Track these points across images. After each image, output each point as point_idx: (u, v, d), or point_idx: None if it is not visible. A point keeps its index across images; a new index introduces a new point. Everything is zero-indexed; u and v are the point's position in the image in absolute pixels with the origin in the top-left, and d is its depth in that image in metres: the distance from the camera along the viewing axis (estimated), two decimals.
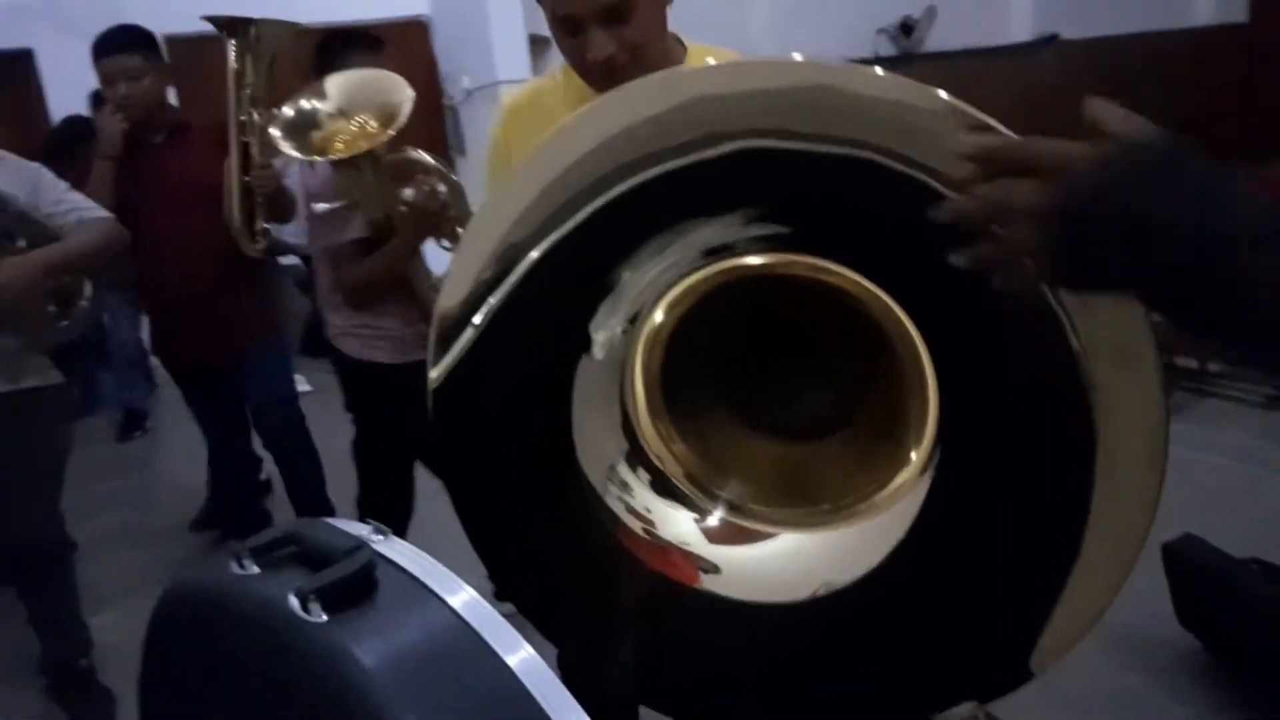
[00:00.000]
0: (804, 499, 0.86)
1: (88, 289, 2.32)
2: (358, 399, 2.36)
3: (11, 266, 2.02)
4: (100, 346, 4.55)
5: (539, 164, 0.75)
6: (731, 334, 0.92)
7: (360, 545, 0.62)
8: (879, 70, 0.65)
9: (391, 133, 1.98)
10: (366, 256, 2.09)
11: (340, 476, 2.60)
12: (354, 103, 2.08)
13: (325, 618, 0.57)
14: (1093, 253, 0.54)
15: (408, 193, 1.98)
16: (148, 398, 5.04)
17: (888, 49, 7.36)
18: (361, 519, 0.68)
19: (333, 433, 2.67)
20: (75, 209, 2.19)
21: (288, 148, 2.02)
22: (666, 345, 0.87)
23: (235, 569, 0.64)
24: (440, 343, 0.81)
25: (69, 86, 5.90)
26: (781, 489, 0.87)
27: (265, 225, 2.54)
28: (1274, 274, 0.48)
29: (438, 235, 2.14)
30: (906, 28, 7.24)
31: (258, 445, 2.99)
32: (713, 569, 0.83)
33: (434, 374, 0.82)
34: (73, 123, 3.95)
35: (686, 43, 1.38)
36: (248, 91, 2.44)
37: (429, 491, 2.30)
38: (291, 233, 2.98)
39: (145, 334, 3.68)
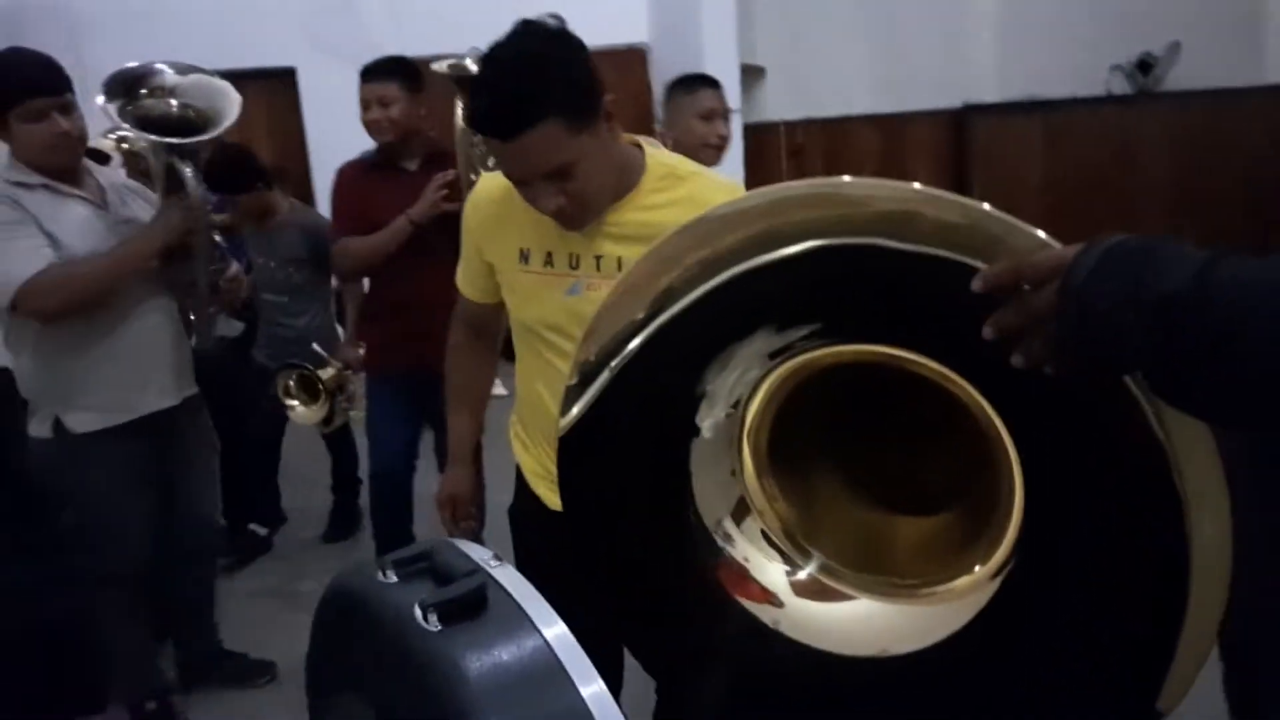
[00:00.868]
0: (887, 570, 0.91)
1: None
2: None
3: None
4: None
5: (683, 238, 0.84)
6: (845, 408, 0.97)
7: (477, 569, 0.73)
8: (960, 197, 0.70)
9: None
10: None
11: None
12: None
13: (440, 628, 0.68)
14: (1078, 338, 0.63)
15: None
16: None
17: (1122, 86, 6.96)
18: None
19: None
20: None
21: None
22: (779, 412, 0.93)
23: (379, 576, 0.77)
24: (568, 399, 0.91)
25: (324, 103, 6.61)
26: (868, 556, 0.92)
27: None
28: (1197, 333, 0.57)
29: None
30: (1145, 65, 6.80)
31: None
32: (789, 615, 0.90)
33: (563, 423, 0.92)
34: (226, 149, 3.73)
35: (646, 147, 1.44)
36: (477, 150, 2.55)
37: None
38: None
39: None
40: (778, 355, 0.86)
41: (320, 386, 3.46)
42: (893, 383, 0.87)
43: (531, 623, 0.70)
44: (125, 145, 2.60)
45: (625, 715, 0.65)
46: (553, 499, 1.50)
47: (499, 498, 2.23)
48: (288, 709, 2.71)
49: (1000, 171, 7.45)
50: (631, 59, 7.58)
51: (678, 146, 2.53)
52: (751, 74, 6.86)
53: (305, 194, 6.65)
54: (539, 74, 1.23)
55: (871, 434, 0.97)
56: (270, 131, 6.62)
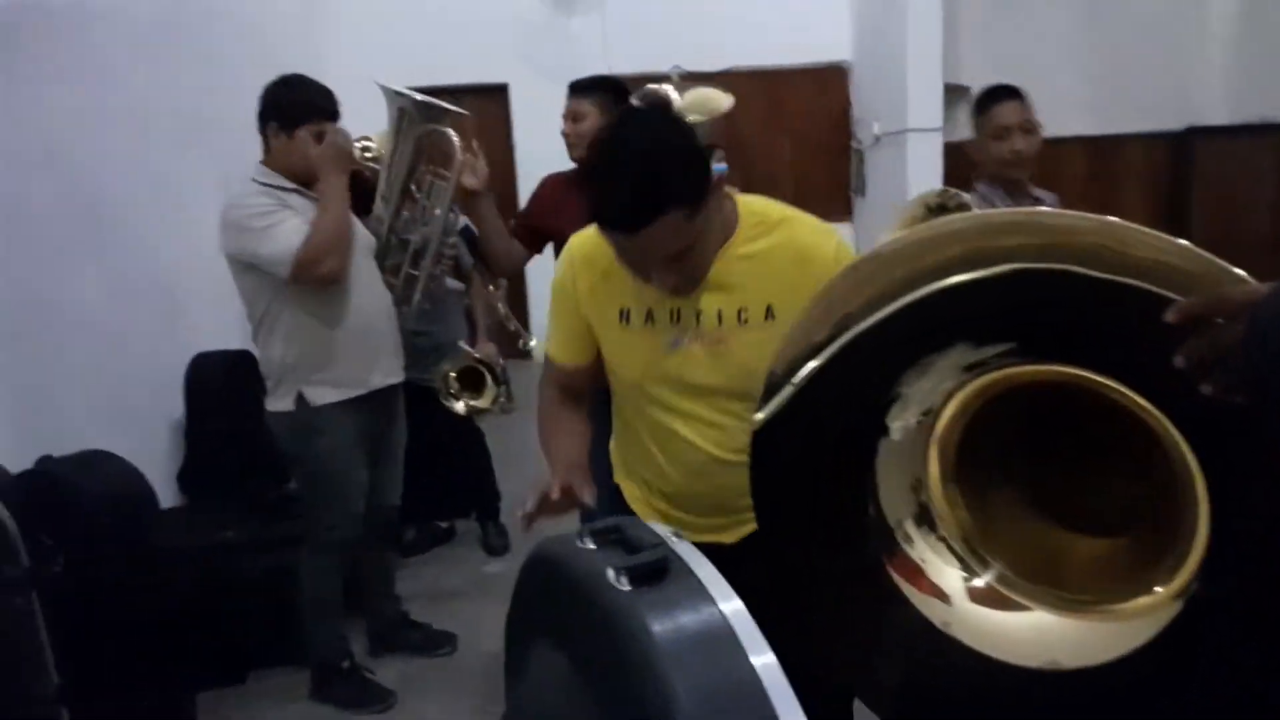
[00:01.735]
0: (1062, 585, 0.93)
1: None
2: None
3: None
4: None
5: (875, 263, 0.91)
6: (1031, 426, 1.00)
7: (662, 542, 0.82)
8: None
9: None
10: None
11: None
12: None
13: (629, 588, 0.78)
14: (1265, 371, 0.64)
15: None
16: None
17: None
18: None
19: None
20: None
21: None
22: (968, 424, 0.97)
23: (578, 543, 0.87)
24: (765, 394, 0.99)
25: (532, 117, 6.99)
26: (1044, 570, 0.94)
27: None
28: None
29: None
30: None
31: None
32: (960, 619, 0.94)
33: (758, 417, 1.00)
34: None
35: (734, 195, 1.44)
36: None
37: None
38: None
39: None
40: (972, 369, 0.90)
41: (488, 373, 3.68)
42: (1079, 405, 0.90)
43: (708, 593, 0.78)
44: (368, 154, 2.91)
45: None
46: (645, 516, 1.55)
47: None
48: (468, 675, 2.93)
49: (1225, 196, 6.94)
50: (832, 76, 7.58)
51: (982, 168, 2.50)
52: (955, 93, 6.70)
53: (510, 200, 7.08)
54: (656, 169, 1.24)
55: (1054, 453, 0.99)
56: (483, 142, 7.09)
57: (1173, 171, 7.28)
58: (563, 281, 1.54)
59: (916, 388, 0.93)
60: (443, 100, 2.80)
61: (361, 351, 2.60)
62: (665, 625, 0.75)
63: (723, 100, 2.74)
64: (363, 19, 6.87)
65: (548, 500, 1.40)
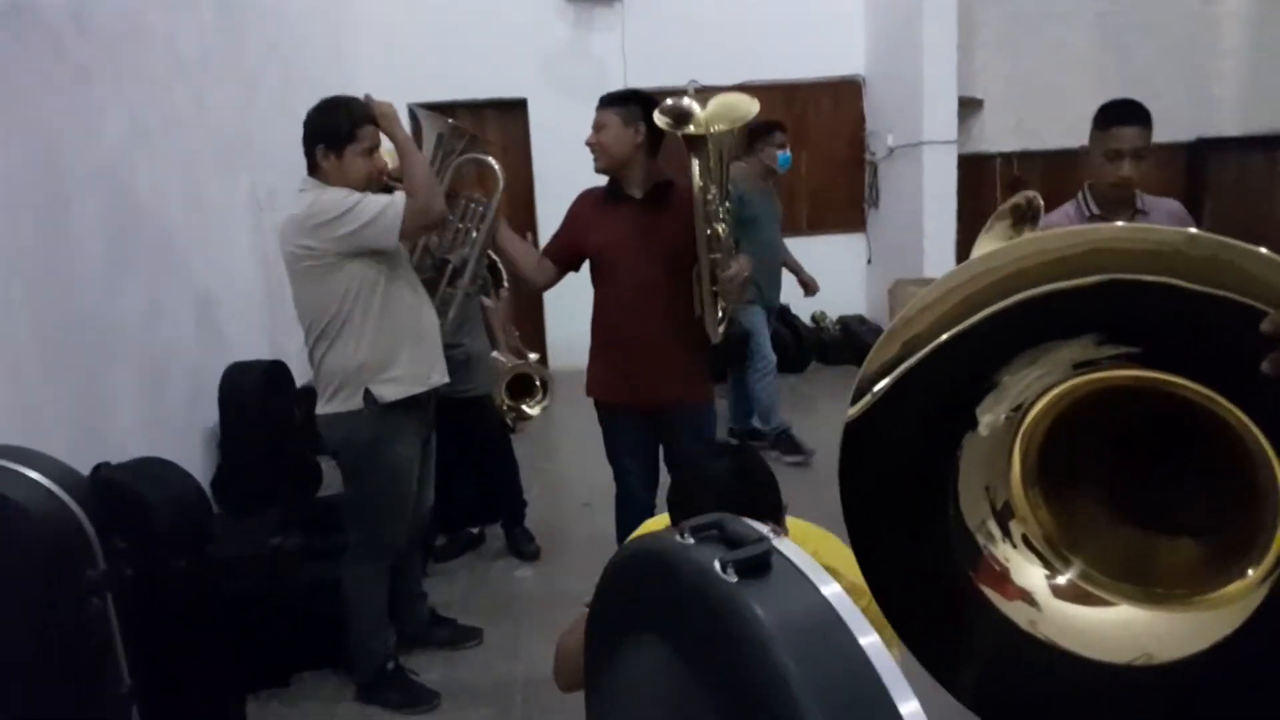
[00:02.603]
0: (1146, 581, 0.95)
1: None
2: None
3: None
4: None
5: (961, 276, 0.94)
6: (1111, 429, 1.02)
7: (763, 537, 0.88)
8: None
9: None
10: None
11: None
12: None
13: (736, 579, 0.84)
14: None
15: None
16: None
17: None
18: None
19: None
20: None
21: None
22: (1053, 425, 0.99)
23: (678, 539, 0.93)
24: (857, 393, 1.02)
25: (549, 131, 7.09)
26: (1127, 567, 0.97)
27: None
28: None
29: None
30: None
31: None
32: (1046, 618, 0.96)
33: (851, 412, 1.03)
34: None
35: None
36: (713, 206, 2.69)
37: None
38: None
39: None
40: (1080, 367, 0.91)
41: (538, 381, 3.79)
42: (1155, 407, 0.91)
43: (812, 583, 0.84)
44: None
45: None
46: None
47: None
48: (492, 670, 3.06)
49: (1236, 207, 6.98)
50: (847, 90, 7.65)
51: (1091, 188, 2.47)
52: (968, 105, 6.77)
53: (528, 207, 7.18)
54: (747, 489, 1.57)
55: (1138, 458, 1.02)
56: (503, 153, 7.22)
57: (1185, 183, 7.32)
58: None
59: (1020, 376, 0.93)
60: (461, 116, 2.96)
61: (421, 349, 2.71)
62: (773, 613, 0.81)
63: (750, 106, 2.81)
64: (388, 36, 6.99)
65: None
